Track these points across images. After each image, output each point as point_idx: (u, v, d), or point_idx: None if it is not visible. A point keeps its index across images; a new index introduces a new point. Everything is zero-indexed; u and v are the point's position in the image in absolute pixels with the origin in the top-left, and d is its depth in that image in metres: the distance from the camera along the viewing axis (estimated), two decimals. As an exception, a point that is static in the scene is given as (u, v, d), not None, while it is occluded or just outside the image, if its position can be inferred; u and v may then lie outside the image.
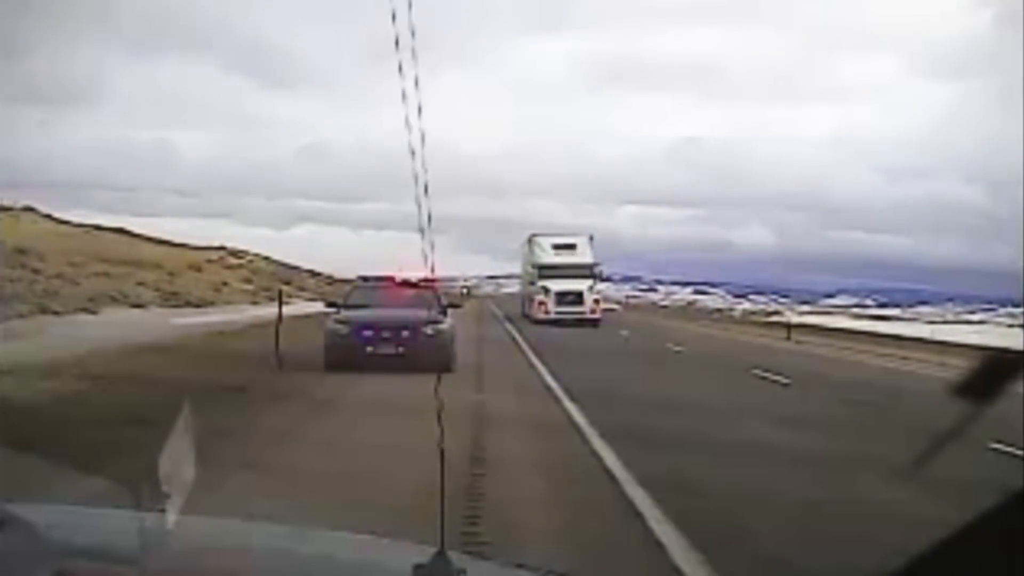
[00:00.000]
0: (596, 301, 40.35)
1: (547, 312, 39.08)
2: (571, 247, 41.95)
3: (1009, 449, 9.26)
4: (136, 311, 28.16)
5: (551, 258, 41.40)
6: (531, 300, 41.94)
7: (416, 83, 1.69)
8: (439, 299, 16.89)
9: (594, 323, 38.62)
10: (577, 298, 39.51)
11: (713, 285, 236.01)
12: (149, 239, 53.46)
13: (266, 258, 61.79)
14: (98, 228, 52.32)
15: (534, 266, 41.72)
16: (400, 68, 1.66)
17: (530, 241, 43.91)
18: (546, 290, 39.77)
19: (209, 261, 50.82)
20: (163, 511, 1.48)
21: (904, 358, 27.29)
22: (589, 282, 40.44)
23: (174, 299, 33.40)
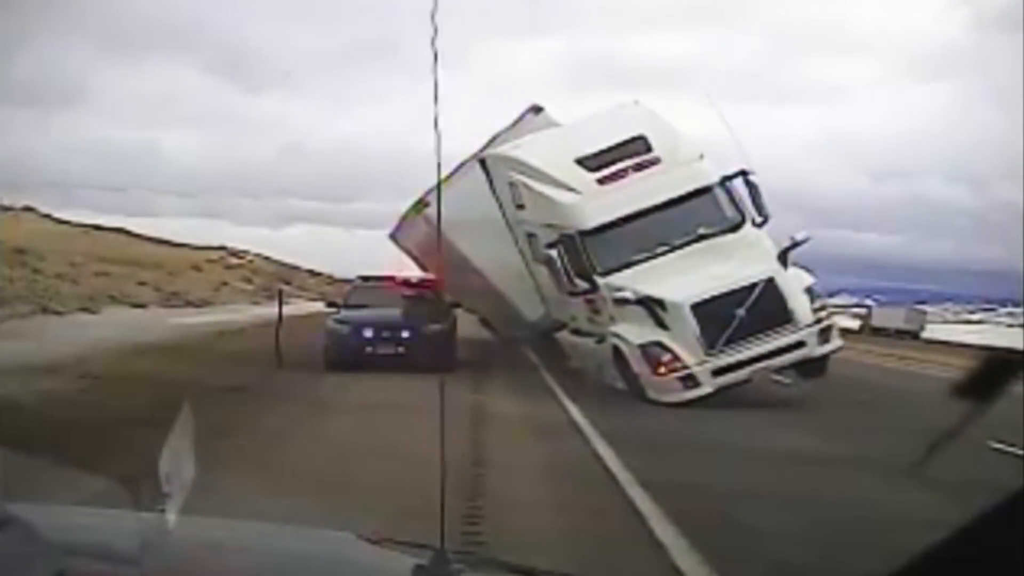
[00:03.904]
0: (823, 312, 13.69)
1: (683, 379, 12.64)
2: (636, 142, 14.23)
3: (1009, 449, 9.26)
4: (136, 311, 28.15)
5: (611, 203, 13.66)
6: (582, 348, 14.88)
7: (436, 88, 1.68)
8: (441, 298, 16.87)
9: (815, 369, 13.50)
10: (771, 315, 12.79)
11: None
12: (149, 239, 53.46)
13: (266, 258, 61.80)
14: (98, 228, 52.30)
15: (559, 242, 13.83)
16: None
17: (497, 165, 15.68)
18: (653, 309, 12.95)
19: (209, 261, 50.83)
20: (163, 511, 1.48)
21: (902, 358, 27.28)
22: (757, 243, 13.81)
23: (174, 299, 33.40)
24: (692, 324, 12.61)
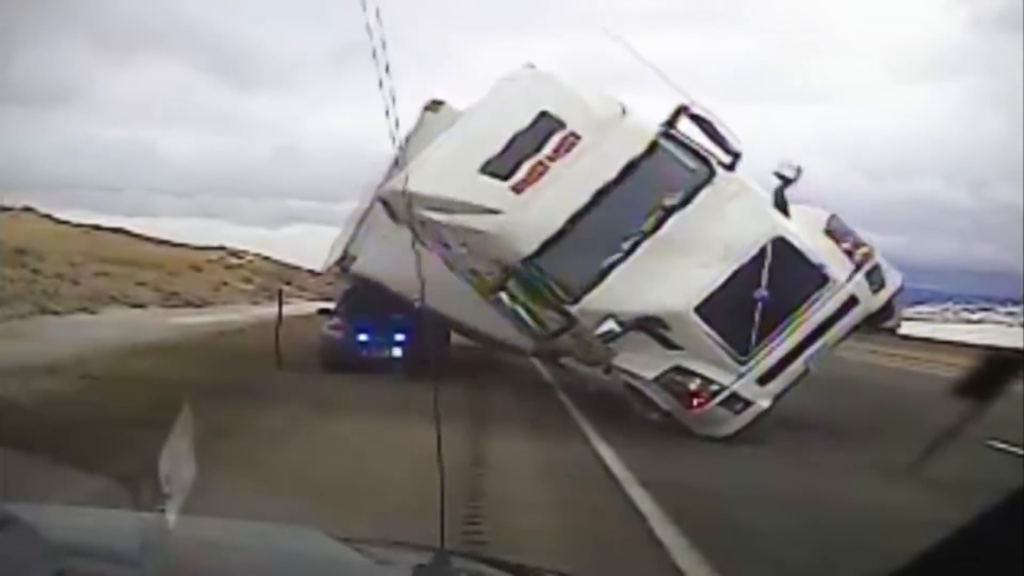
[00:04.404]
0: (860, 248, 10.75)
1: (727, 403, 9.98)
2: (541, 122, 10.96)
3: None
4: (136, 311, 28.13)
5: (544, 211, 10.61)
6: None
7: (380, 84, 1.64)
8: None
9: (883, 318, 11.09)
10: (799, 281, 10.26)
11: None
12: (148, 239, 53.48)
13: (266, 258, 61.75)
14: (97, 228, 52.33)
15: (505, 280, 11.05)
16: (387, 69, 1.63)
17: (397, 202, 11.61)
18: (652, 329, 10.22)
19: (209, 261, 50.82)
20: (163, 511, 1.48)
21: (906, 357, 27.30)
22: (740, 191, 10.88)
23: (174, 299, 33.38)
24: (707, 331, 9.86)
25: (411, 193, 10.64)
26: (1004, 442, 9.21)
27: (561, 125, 10.85)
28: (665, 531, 5.94)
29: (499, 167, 10.71)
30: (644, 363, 10.10)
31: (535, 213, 10.48)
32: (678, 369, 9.93)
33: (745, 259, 10.02)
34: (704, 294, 9.92)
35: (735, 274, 9.96)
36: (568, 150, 10.77)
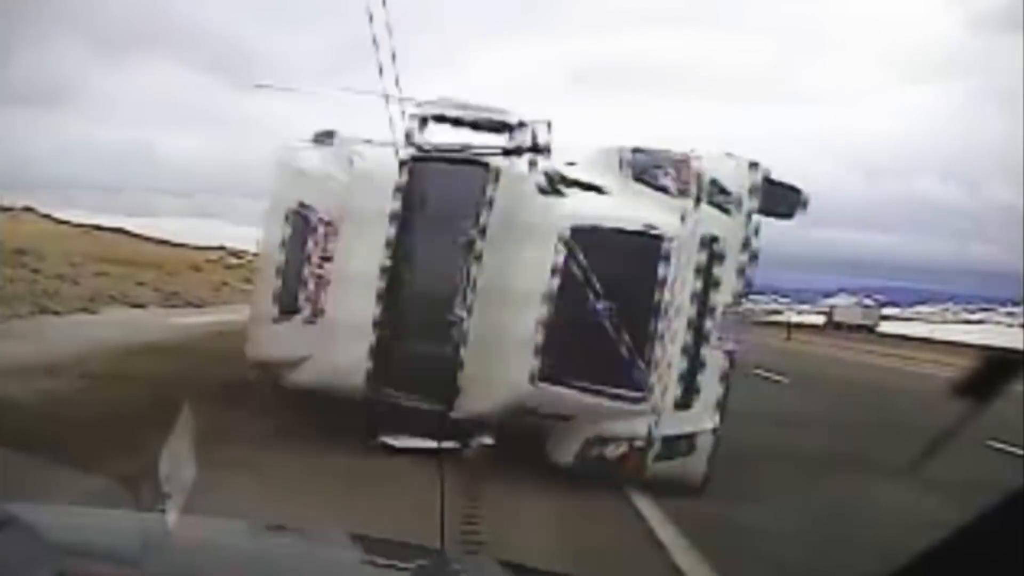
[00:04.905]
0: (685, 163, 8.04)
1: (663, 452, 7.72)
2: (297, 218, 8.80)
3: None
4: (136, 311, 28.14)
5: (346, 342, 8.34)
6: None
7: (396, 82, 1.65)
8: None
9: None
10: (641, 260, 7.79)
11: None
12: (149, 239, 53.54)
13: (266, 258, 61.74)
14: (98, 228, 52.35)
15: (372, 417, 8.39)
16: (381, 70, 1.64)
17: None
18: (526, 413, 7.98)
19: (209, 261, 50.84)
20: (163, 511, 1.48)
21: (904, 357, 27.31)
22: (517, 183, 8.30)
23: (174, 299, 33.38)
24: (570, 390, 7.71)
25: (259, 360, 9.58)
26: (1004, 442, 9.22)
27: (312, 213, 8.68)
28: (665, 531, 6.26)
29: (286, 303, 8.77)
30: (558, 448, 7.98)
31: (344, 337, 8.10)
32: (589, 441, 7.81)
33: (554, 280, 7.73)
34: (536, 353, 7.72)
35: (554, 304, 7.74)
36: (334, 238, 8.59)
